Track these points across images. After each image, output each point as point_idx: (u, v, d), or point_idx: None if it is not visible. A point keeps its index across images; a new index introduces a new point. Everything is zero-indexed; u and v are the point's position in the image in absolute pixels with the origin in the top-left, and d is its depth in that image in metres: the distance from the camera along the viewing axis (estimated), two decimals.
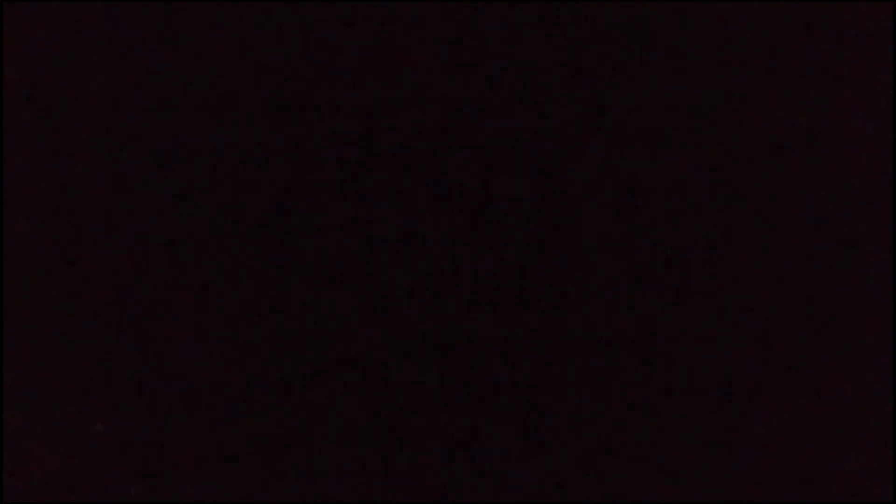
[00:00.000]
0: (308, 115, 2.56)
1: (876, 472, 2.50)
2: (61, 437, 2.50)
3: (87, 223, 2.54)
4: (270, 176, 2.55)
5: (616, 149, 2.55)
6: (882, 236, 2.54)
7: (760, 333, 2.54)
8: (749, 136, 2.56)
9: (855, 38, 2.57)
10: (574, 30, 2.57)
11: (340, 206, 2.55)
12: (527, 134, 2.56)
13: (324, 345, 2.53)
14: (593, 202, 2.55)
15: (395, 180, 2.55)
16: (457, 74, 2.57)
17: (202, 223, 2.54)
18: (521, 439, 2.51)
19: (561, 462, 2.51)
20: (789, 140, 2.57)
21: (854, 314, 2.53)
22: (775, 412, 2.52)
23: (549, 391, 2.52)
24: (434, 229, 2.55)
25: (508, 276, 2.54)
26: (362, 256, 2.54)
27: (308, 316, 2.53)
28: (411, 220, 2.55)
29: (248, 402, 2.52)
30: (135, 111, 2.56)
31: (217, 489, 2.51)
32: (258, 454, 2.51)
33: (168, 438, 2.51)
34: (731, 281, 2.54)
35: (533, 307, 2.53)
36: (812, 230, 2.55)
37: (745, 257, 2.55)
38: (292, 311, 2.53)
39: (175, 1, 2.57)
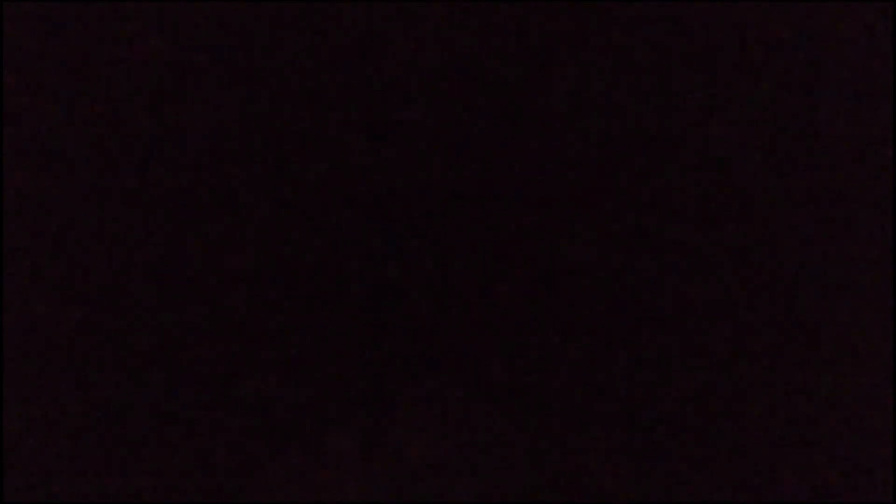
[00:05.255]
0: (309, 114, 2.57)
1: (876, 472, 2.51)
2: (61, 436, 2.51)
3: (86, 223, 2.55)
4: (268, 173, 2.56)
5: (616, 148, 2.56)
6: (882, 236, 2.55)
7: (760, 334, 2.54)
8: (748, 136, 2.57)
9: (855, 39, 2.58)
10: (575, 30, 2.58)
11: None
12: (529, 133, 2.57)
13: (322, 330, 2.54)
14: (597, 202, 2.56)
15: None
16: (457, 77, 2.58)
17: (199, 220, 2.55)
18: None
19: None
20: (789, 140, 2.57)
21: (854, 314, 2.54)
22: (776, 412, 2.53)
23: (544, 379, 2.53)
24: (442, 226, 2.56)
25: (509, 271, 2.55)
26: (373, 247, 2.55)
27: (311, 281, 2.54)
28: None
29: (249, 400, 2.53)
30: (134, 111, 2.57)
31: (218, 485, 2.52)
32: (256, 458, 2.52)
33: (168, 437, 2.52)
34: (731, 280, 2.55)
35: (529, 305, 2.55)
36: (812, 230, 2.56)
37: (746, 257, 2.56)
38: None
39: (176, 1, 2.58)
